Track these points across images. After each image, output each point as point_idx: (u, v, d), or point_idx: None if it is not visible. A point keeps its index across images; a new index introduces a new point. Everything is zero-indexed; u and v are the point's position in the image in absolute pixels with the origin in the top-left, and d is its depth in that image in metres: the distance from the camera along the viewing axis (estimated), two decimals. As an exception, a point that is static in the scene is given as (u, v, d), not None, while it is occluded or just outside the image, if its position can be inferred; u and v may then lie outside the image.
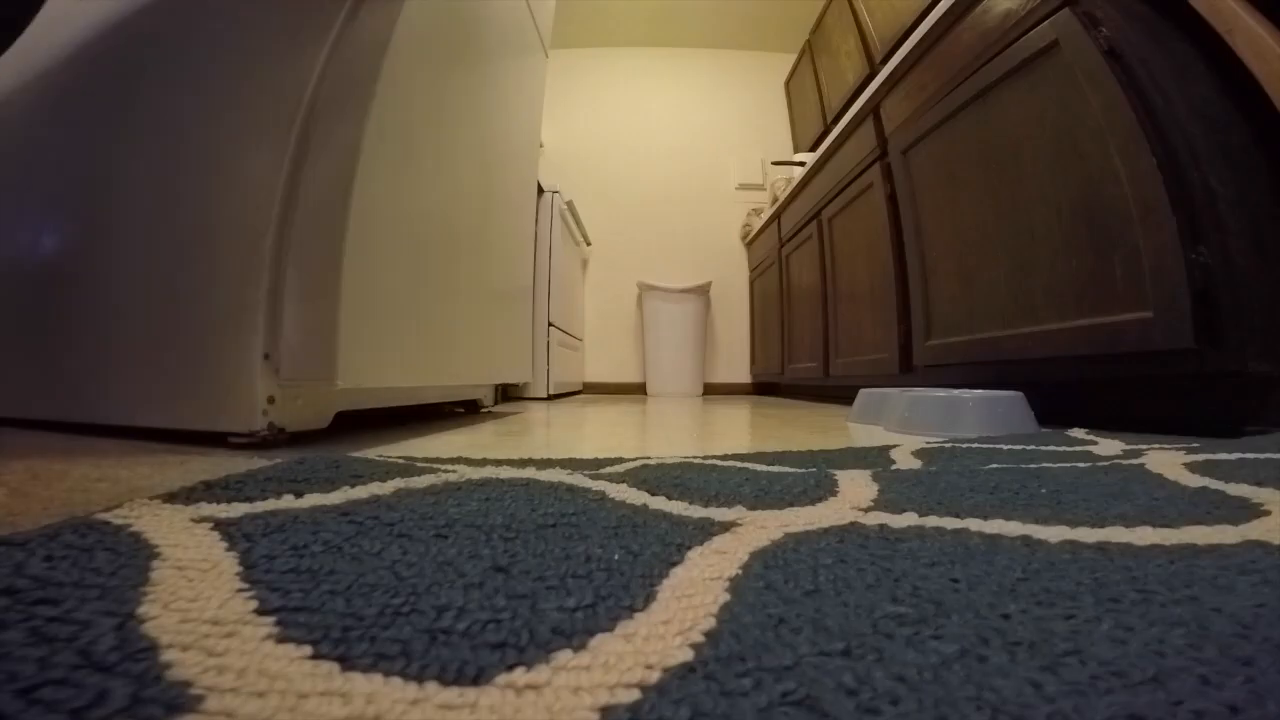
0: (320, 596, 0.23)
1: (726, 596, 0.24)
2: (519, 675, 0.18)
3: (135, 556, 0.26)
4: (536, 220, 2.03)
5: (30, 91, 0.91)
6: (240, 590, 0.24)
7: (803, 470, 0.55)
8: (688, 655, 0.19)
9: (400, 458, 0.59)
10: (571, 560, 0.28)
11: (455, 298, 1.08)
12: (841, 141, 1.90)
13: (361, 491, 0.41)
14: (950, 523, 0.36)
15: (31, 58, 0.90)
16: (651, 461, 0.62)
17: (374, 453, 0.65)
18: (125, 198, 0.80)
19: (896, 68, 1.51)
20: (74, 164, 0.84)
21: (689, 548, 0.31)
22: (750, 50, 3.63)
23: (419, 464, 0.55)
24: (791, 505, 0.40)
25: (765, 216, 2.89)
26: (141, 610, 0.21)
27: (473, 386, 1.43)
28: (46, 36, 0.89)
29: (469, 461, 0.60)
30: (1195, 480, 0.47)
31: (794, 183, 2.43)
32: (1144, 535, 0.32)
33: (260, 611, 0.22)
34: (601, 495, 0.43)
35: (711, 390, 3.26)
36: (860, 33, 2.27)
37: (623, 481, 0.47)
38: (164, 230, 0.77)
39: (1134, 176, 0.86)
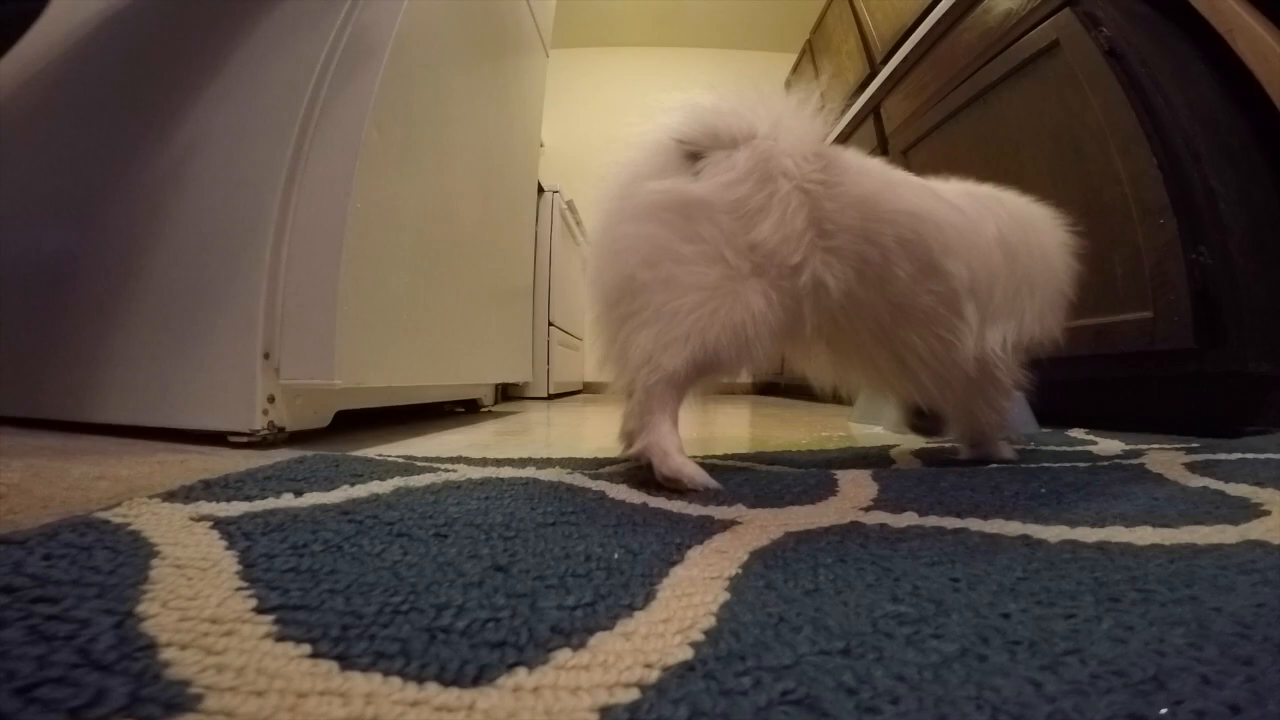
0: (319, 595, 0.23)
1: (726, 595, 0.24)
2: (518, 676, 0.18)
3: (134, 555, 0.26)
4: (537, 220, 2.03)
5: (33, 88, 0.91)
6: (239, 589, 0.24)
7: (803, 470, 0.55)
8: (687, 654, 0.19)
9: (400, 457, 0.59)
10: (571, 559, 0.28)
11: (455, 297, 1.08)
12: (842, 141, 1.90)
13: (361, 490, 0.41)
14: (950, 522, 0.36)
15: (36, 53, 0.90)
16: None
17: (374, 451, 0.65)
18: (126, 197, 0.80)
19: (897, 67, 1.51)
20: (75, 163, 0.84)
21: (689, 547, 0.31)
22: (750, 50, 3.62)
23: (419, 463, 0.55)
24: (792, 505, 0.40)
25: (765, 216, 2.88)
26: (140, 608, 0.21)
27: (473, 386, 1.43)
28: (50, 32, 0.89)
29: (469, 461, 0.60)
30: (1195, 480, 0.47)
31: (794, 182, 2.42)
32: (1144, 535, 0.32)
33: (259, 610, 0.22)
34: (601, 494, 0.43)
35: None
36: (861, 32, 2.27)
37: (623, 481, 0.47)
38: (164, 230, 0.76)
39: (1134, 176, 0.85)
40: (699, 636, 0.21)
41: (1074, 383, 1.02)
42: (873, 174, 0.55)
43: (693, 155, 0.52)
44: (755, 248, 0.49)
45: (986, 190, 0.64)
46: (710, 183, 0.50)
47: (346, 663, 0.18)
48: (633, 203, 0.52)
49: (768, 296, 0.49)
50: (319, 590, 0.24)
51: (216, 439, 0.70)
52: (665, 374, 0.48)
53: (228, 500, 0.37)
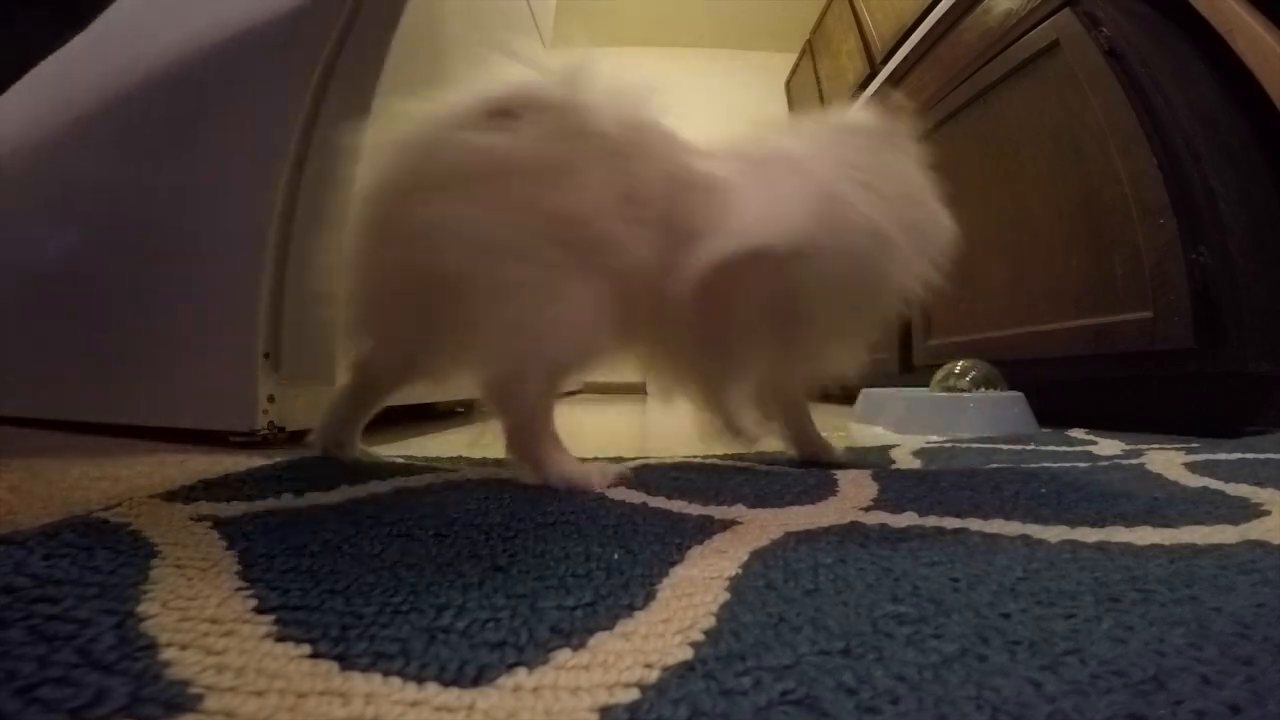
0: (319, 595, 0.23)
1: (726, 595, 0.24)
2: (518, 676, 0.18)
3: (134, 555, 0.26)
4: (537, 220, 2.02)
5: (35, 89, 0.91)
6: (239, 589, 0.24)
7: (803, 470, 0.55)
8: (687, 654, 0.19)
9: (400, 456, 0.59)
10: (571, 559, 0.28)
11: (455, 297, 1.07)
12: (842, 141, 1.90)
13: (361, 490, 0.41)
14: (950, 522, 0.36)
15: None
16: (651, 461, 0.62)
17: (374, 451, 0.65)
18: (128, 198, 0.80)
19: (897, 68, 1.51)
20: (76, 163, 0.84)
21: (689, 547, 0.31)
22: (750, 50, 3.62)
23: (419, 463, 0.55)
24: (792, 505, 0.40)
25: (765, 216, 2.88)
26: (141, 608, 0.21)
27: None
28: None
29: (469, 461, 0.60)
30: (1195, 480, 0.47)
31: (794, 182, 2.42)
32: (1144, 535, 0.32)
33: (259, 610, 0.22)
34: (601, 494, 0.43)
35: (711, 390, 3.25)
36: (861, 32, 2.27)
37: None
38: (166, 230, 0.76)
39: (1134, 176, 0.85)
40: (699, 636, 0.21)
41: (1074, 383, 1.02)
42: (676, 154, 0.49)
43: (504, 113, 0.44)
44: (575, 224, 0.42)
45: (769, 151, 0.55)
46: (521, 135, 0.42)
47: (346, 663, 0.18)
48: (438, 164, 0.43)
49: (600, 291, 0.43)
50: (319, 590, 0.24)
51: (217, 438, 0.70)
52: (550, 402, 0.47)
53: (228, 500, 0.37)
